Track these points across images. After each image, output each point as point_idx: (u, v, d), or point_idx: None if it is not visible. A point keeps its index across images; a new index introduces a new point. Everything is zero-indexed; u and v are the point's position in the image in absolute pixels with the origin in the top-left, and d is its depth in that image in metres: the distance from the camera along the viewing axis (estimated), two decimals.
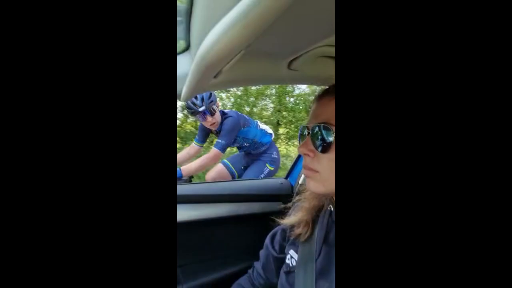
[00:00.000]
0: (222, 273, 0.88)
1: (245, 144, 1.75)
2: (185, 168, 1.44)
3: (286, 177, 1.13)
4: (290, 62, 0.50)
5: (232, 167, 1.82)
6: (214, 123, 1.58)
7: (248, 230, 0.99)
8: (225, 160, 1.85)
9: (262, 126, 1.83)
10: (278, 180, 1.09)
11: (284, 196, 1.02)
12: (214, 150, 1.52)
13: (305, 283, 0.46)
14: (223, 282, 0.86)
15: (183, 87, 0.39)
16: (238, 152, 1.93)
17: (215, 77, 0.41)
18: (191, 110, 1.51)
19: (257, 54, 0.46)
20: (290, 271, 0.51)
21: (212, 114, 1.53)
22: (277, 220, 0.59)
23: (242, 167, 1.87)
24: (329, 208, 0.50)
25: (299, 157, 1.15)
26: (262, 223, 1.01)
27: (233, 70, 0.44)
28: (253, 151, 1.81)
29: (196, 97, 1.48)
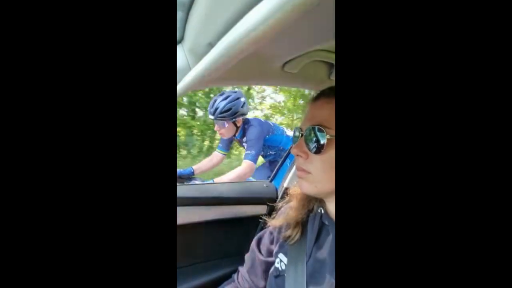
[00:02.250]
0: (205, 279, 0.85)
1: (271, 152, 1.65)
2: (218, 181, 1.32)
3: (271, 180, 1.13)
4: (285, 64, 0.51)
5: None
6: (222, 133, 1.57)
7: (232, 234, 0.97)
8: (250, 178, 1.66)
9: (289, 132, 1.71)
10: (263, 183, 1.09)
11: (269, 199, 1.01)
12: (246, 162, 1.45)
13: (296, 286, 0.46)
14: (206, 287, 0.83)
15: (180, 82, 0.38)
16: (261, 165, 1.79)
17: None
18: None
19: (253, 54, 0.46)
20: (279, 275, 0.51)
21: (224, 125, 1.52)
22: (266, 220, 0.58)
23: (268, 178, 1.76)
24: (319, 211, 0.50)
25: (283, 160, 1.15)
26: (246, 227, 1.00)
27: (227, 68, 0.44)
28: (279, 159, 1.70)
29: (212, 105, 1.48)
